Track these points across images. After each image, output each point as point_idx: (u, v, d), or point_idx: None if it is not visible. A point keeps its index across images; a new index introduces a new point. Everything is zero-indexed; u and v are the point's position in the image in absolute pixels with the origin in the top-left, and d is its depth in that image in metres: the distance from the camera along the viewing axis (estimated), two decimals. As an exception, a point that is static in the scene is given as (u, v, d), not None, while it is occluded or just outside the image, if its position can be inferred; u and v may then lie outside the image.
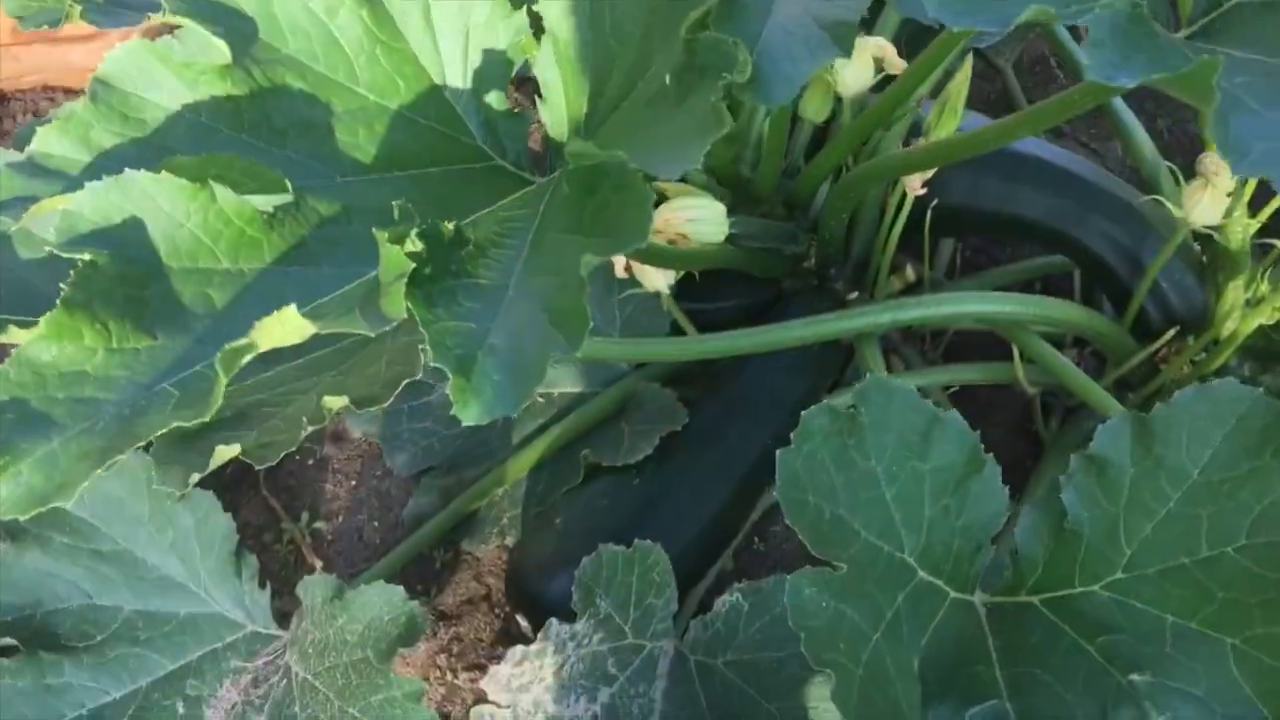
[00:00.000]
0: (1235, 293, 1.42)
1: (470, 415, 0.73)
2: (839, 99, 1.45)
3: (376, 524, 1.55)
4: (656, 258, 1.34)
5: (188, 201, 0.84)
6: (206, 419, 0.76)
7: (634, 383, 1.55)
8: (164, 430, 0.77)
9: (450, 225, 0.80)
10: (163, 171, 0.84)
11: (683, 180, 1.57)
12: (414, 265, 0.76)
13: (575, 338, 0.73)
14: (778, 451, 0.96)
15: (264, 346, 0.75)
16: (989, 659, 0.97)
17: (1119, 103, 1.63)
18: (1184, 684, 0.93)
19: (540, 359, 0.73)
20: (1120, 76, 0.74)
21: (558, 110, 1.02)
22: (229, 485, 1.56)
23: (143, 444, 0.82)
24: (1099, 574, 0.97)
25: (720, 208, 1.38)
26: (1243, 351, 1.46)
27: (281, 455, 0.94)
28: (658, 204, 1.35)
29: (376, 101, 1.02)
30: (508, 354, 0.75)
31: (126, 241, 0.83)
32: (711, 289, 1.60)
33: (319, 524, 1.55)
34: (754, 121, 1.59)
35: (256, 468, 0.94)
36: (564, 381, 1.57)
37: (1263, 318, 1.37)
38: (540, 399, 1.56)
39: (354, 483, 1.57)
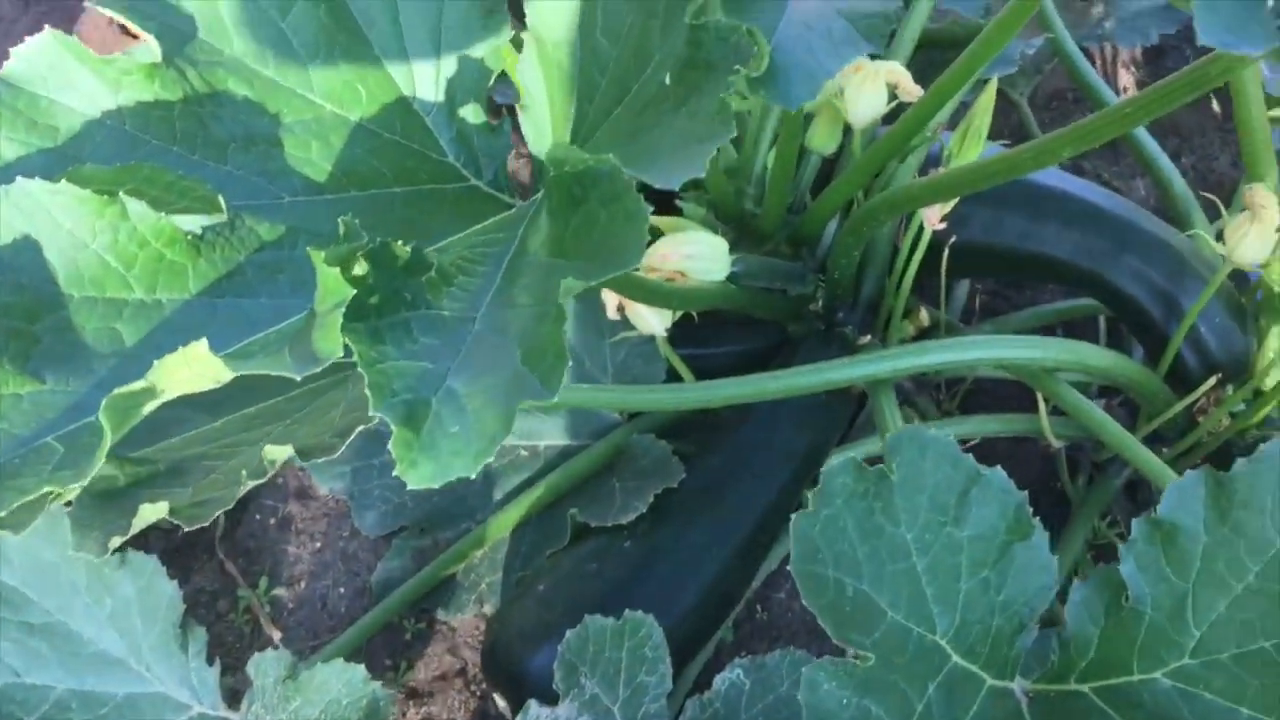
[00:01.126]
0: (1279, 340, 1.31)
1: (419, 476, 0.60)
2: (847, 130, 1.35)
3: (342, 590, 1.42)
4: (652, 296, 1.23)
5: (93, 218, 0.72)
6: (84, 482, 0.63)
7: (626, 435, 1.43)
8: (34, 496, 0.63)
9: (406, 246, 0.68)
10: (63, 181, 0.72)
11: (681, 215, 1.47)
12: (357, 292, 0.63)
13: (551, 380, 0.61)
14: (793, 517, 0.83)
15: (169, 391, 0.62)
16: (1035, 758, 0.84)
17: (1144, 135, 1.55)
18: (1261, 790, 0.80)
19: (508, 406, 0.60)
20: (1242, 44, 0.62)
21: (541, 121, 0.90)
22: (181, 546, 1.43)
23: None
24: (1163, 659, 0.84)
25: (721, 244, 1.28)
26: (1287, 403, 1.34)
27: (215, 515, 0.81)
28: (653, 239, 1.24)
29: (334, 112, 0.90)
30: (469, 400, 0.62)
31: (15, 265, 0.71)
32: (711, 333, 1.50)
33: (279, 590, 1.41)
34: (758, 153, 1.49)
35: (184, 529, 0.81)
36: (550, 433, 1.46)
37: (1312, 367, 1.26)
38: (524, 452, 1.45)
39: (319, 544, 1.44)
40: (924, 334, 1.54)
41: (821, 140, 1.41)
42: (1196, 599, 0.83)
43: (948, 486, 0.84)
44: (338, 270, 0.63)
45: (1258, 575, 0.81)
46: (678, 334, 1.33)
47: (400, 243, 0.68)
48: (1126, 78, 1.97)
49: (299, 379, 0.62)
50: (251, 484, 0.82)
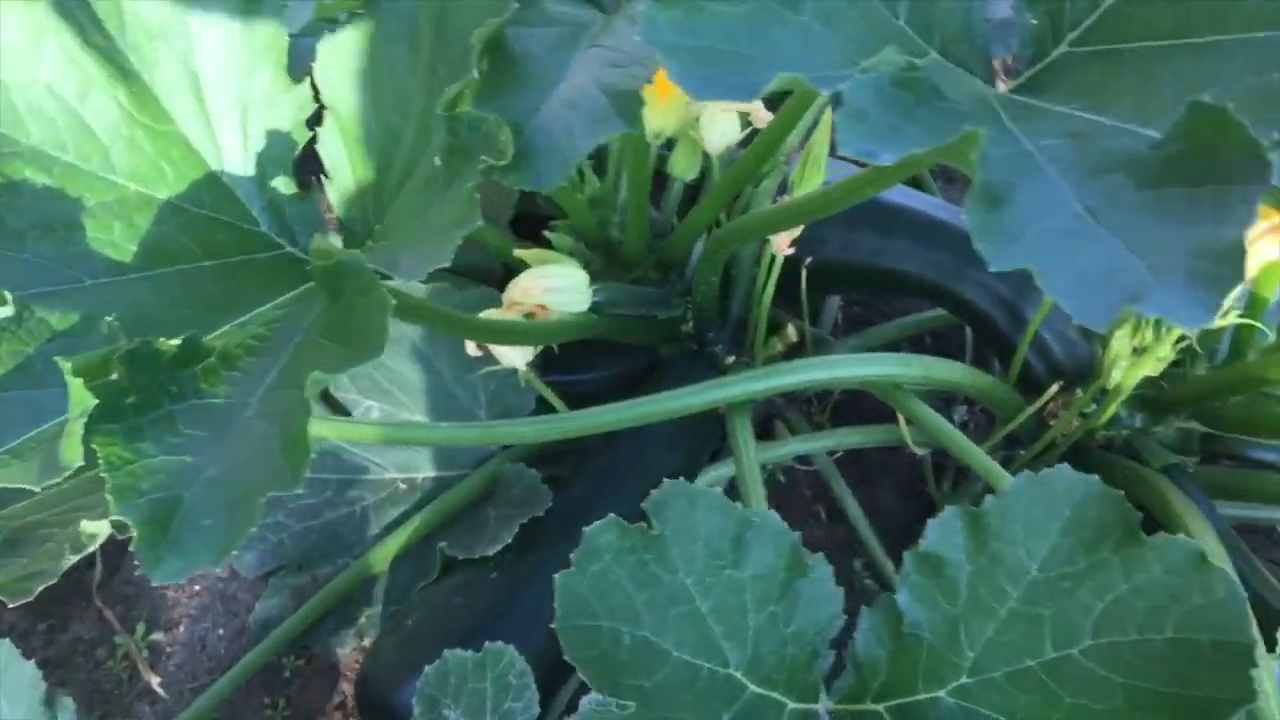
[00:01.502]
0: (1121, 343, 1.36)
1: (164, 573, 0.63)
2: (709, 156, 1.39)
3: (221, 632, 1.43)
4: (510, 336, 1.26)
5: None
6: None
7: (502, 463, 1.45)
8: None
9: (173, 342, 0.71)
10: None
11: (548, 245, 1.50)
12: (111, 394, 0.66)
13: (299, 470, 0.64)
14: (556, 577, 0.86)
15: (-81, 503, 0.65)
16: (838, 772, 0.88)
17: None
18: (1037, 795, 0.84)
19: (256, 497, 0.63)
20: (882, 153, 0.66)
21: (345, 191, 0.93)
22: (59, 596, 1.44)
23: None
24: (944, 679, 0.88)
25: (582, 275, 1.30)
26: (1133, 402, 1.40)
27: (38, 590, 0.84)
28: (519, 273, 1.27)
29: (138, 191, 0.93)
30: (226, 490, 0.65)
31: None
32: (583, 359, 1.52)
33: (157, 635, 1.43)
34: (621, 182, 1.52)
35: (9, 605, 0.83)
36: (428, 464, 1.47)
37: (1148, 368, 1.31)
38: (402, 485, 1.47)
39: (197, 588, 1.46)
40: (793, 349, 1.58)
41: (682, 167, 1.44)
42: (968, 624, 0.87)
43: (721, 534, 0.88)
44: (82, 381, 0.66)
45: (1018, 600, 0.86)
46: (549, 362, 1.35)
47: (165, 339, 0.71)
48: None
49: (39, 490, 0.65)
50: (73, 558, 0.85)
